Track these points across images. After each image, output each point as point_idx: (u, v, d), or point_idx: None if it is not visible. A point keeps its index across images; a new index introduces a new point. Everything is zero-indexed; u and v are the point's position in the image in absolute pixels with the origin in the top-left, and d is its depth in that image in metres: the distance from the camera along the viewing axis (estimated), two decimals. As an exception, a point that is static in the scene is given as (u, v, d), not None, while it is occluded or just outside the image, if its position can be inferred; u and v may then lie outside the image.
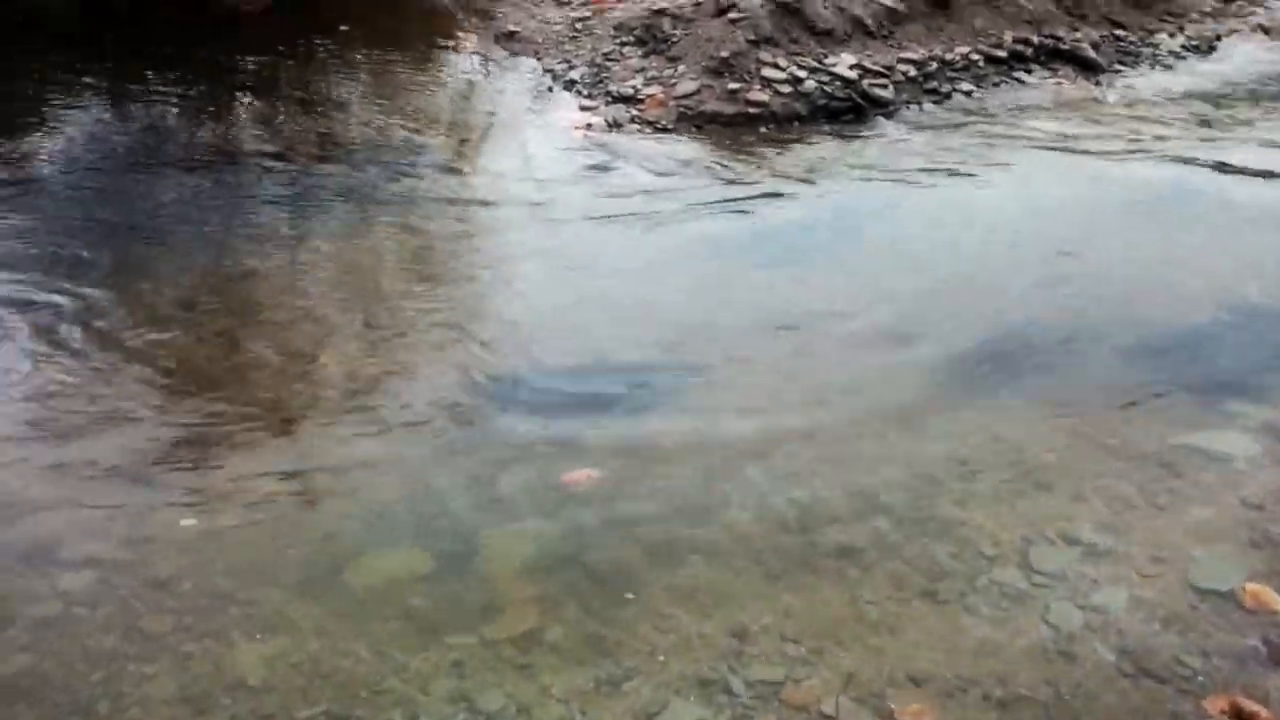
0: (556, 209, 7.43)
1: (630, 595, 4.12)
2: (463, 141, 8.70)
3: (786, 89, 8.96)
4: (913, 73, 9.53)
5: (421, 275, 6.54)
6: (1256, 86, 10.43)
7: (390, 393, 5.37)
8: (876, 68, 9.35)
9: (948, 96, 9.49)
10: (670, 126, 8.70)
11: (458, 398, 5.34)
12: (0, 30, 10.54)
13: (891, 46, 9.77)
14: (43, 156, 7.96)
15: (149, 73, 9.64)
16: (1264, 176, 8.16)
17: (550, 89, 9.62)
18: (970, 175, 8.18)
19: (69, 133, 8.38)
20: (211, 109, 9.24)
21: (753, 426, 5.17)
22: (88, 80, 9.42)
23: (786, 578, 4.23)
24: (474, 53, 10.75)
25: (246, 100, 9.52)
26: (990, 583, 4.22)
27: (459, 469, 4.84)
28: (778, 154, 8.40)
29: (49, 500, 4.42)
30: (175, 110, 9.16)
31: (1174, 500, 4.69)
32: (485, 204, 7.54)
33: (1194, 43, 11.36)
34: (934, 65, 9.69)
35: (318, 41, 10.87)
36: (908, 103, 9.31)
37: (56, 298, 5.97)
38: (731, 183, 7.88)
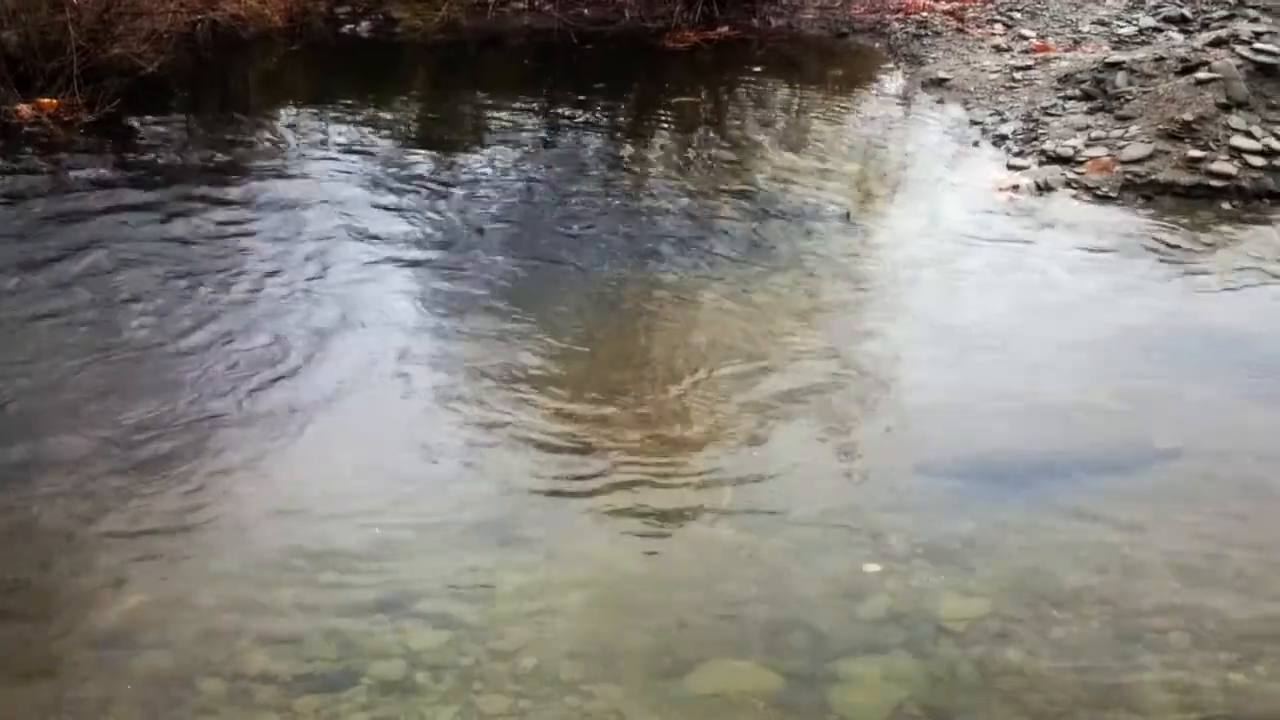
0: (967, 282, 6.76)
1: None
2: (871, 196, 8.22)
3: (1259, 161, 7.72)
4: None
5: (809, 345, 6.06)
6: None
7: (760, 472, 4.99)
8: (1376, 143, 7.87)
9: None
10: (1112, 194, 7.74)
11: (832, 490, 4.87)
12: (456, 62, 11.37)
13: (1398, 120, 8.20)
14: (473, 185, 8.31)
15: (580, 107, 9.95)
16: None
17: (976, 143, 8.91)
18: None
19: (499, 165, 8.74)
20: (630, 146, 9.35)
21: (1178, 578, 4.31)
22: (524, 113, 9.84)
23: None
24: (897, 99, 10.23)
25: (663, 139, 9.56)
26: None
27: (825, 574, 4.37)
28: (1242, 237, 7.23)
29: (411, 549, 4.42)
30: (596, 145, 9.37)
31: None
32: (886, 268, 7.00)
33: None
34: None
35: (738, 81, 10.80)
36: None
37: (468, 329, 6.15)
38: (1183, 268, 6.85)
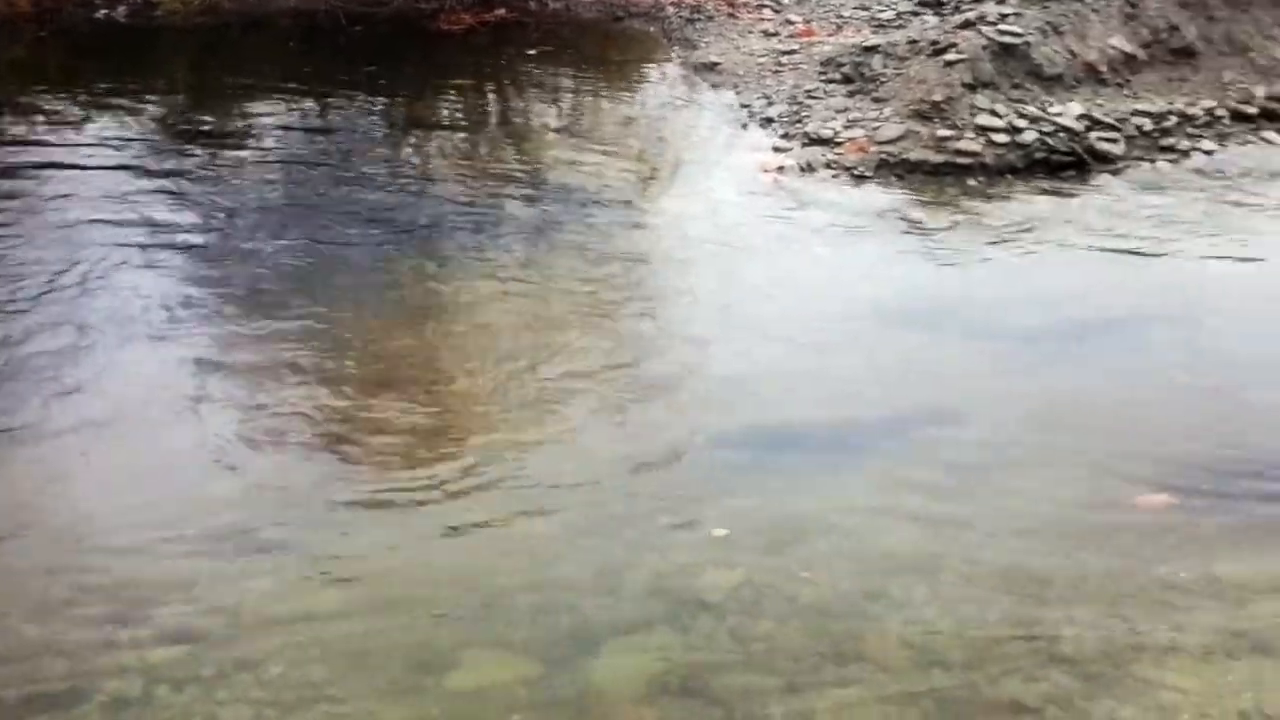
0: (734, 259, 6.93)
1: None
2: (648, 179, 8.31)
3: (1003, 139, 8.18)
4: (1148, 126, 8.58)
5: (587, 325, 6.12)
6: None
7: (530, 459, 4.98)
8: (1107, 120, 8.44)
9: (1185, 155, 8.46)
10: (868, 174, 8.06)
11: (598, 469, 4.91)
12: (218, 45, 10.89)
13: (1126, 96, 8.83)
14: (237, 172, 8.01)
15: (350, 91, 9.69)
16: None
17: (745, 125, 9.13)
18: (1208, 246, 7.20)
19: (264, 151, 8.44)
20: (403, 131, 9.18)
21: (919, 528, 4.54)
22: (291, 98, 9.53)
23: (946, 736, 3.60)
24: (672, 83, 10.37)
25: (438, 124, 9.42)
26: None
27: (590, 556, 4.39)
28: (986, 210, 7.65)
29: (150, 557, 4.22)
30: (368, 130, 9.15)
31: None
32: (663, 249, 7.12)
33: None
34: (1173, 120, 8.68)
35: (516, 64, 10.74)
36: (1139, 159, 8.37)
37: (229, 322, 5.91)
38: (928, 241, 7.19)
